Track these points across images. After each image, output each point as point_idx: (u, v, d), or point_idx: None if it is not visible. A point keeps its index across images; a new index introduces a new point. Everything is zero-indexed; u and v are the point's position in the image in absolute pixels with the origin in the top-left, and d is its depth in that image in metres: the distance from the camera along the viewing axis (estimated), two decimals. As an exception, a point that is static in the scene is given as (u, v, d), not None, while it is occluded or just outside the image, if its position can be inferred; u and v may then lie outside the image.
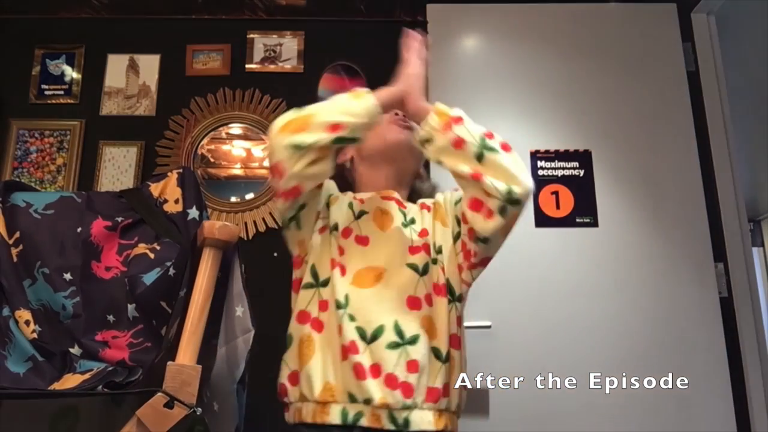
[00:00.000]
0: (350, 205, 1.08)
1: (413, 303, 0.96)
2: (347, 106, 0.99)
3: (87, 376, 1.05)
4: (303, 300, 1.02)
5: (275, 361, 1.07)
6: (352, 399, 0.90)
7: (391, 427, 0.89)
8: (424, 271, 1.00)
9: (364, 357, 0.91)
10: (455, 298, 1.01)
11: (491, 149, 0.93)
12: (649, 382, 1.81)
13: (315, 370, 0.93)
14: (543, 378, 1.80)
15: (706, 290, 1.88)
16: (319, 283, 1.01)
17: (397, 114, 1.13)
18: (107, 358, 1.09)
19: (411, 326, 0.94)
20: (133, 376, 1.03)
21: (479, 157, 0.93)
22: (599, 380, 1.82)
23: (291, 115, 0.99)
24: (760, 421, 1.80)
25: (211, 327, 1.01)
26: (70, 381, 1.06)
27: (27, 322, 1.11)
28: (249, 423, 1.14)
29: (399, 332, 0.93)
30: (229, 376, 1.09)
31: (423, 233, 1.05)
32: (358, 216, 1.06)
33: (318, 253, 1.04)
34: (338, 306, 0.96)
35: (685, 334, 1.85)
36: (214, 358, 1.08)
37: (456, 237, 1.04)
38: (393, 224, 1.04)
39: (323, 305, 0.99)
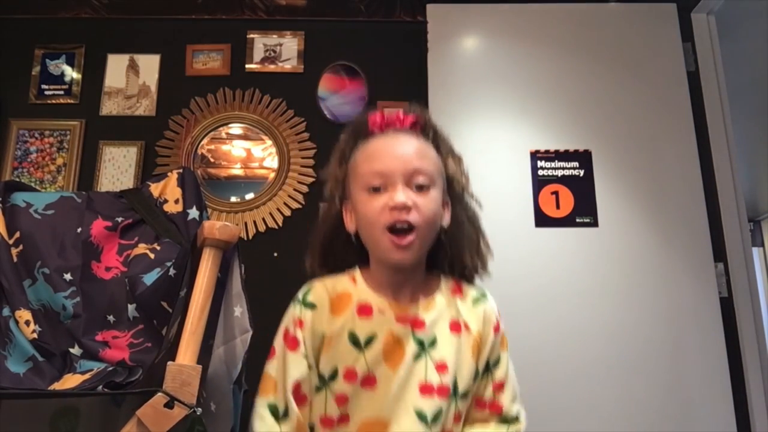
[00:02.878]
0: (352, 336, 0.89)
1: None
2: None
3: (87, 376, 1.05)
4: None
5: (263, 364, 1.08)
6: None
7: None
8: (434, 419, 0.87)
9: None
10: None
11: None
12: (649, 382, 1.82)
13: None
14: (542, 377, 1.81)
15: (706, 290, 1.88)
16: None
17: (394, 209, 0.86)
18: (107, 359, 1.09)
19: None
20: (134, 376, 1.03)
21: None
22: (599, 380, 1.82)
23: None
24: (760, 421, 1.80)
25: (208, 327, 1.01)
26: (70, 381, 1.06)
27: (27, 322, 1.11)
28: (245, 425, 1.14)
29: None
30: (226, 377, 1.09)
31: (441, 368, 0.88)
32: (366, 343, 0.88)
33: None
34: None
35: (685, 334, 1.85)
36: (209, 358, 1.08)
37: (480, 374, 0.93)
38: (404, 359, 0.88)
39: None
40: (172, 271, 1.09)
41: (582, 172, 2.00)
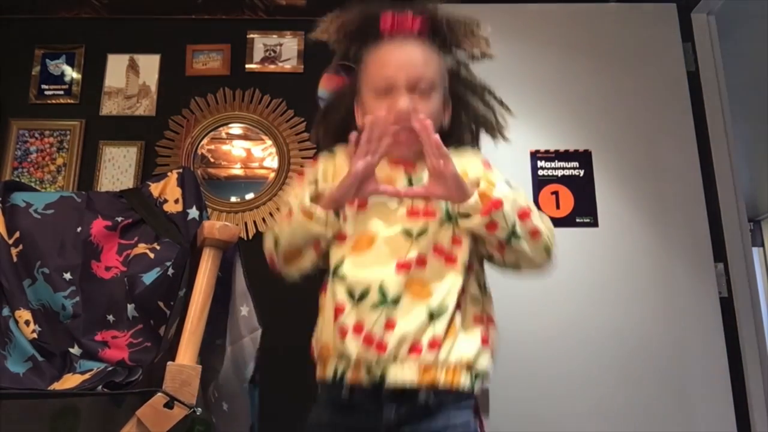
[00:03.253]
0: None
1: (402, 266, 0.94)
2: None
3: (87, 376, 1.06)
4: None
5: (279, 362, 1.08)
6: (340, 355, 0.94)
7: (367, 379, 0.91)
8: (419, 234, 0.97)
9: (349, 317, 0.93)
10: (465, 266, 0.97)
11: (518, 237, 0.95)
12: (649, 382, 1.82)
13: (319, 332, 1.00)
14: (543, 378, 1.81)
15: (706, 290, 1.88)
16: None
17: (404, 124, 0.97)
18: (107, 358, 1.10)
19: (395, 287, 0.93)
20: (133, 376, 1.03)
21: (507, 241, 0.95)
22: (598, 379, 1.82)
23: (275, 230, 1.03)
24: (760, 421, 1.80)
25: (216, 327, 1.01)
26: (70, 381, 1.06)
27: (27, 322, 1.11)
28: (264, 422, 1.14)
29: (383, 293, 0.93)
30: (237, 376, 1.09)
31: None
32: None
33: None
34: (334, 271, 0.98)
35: (685, 334, 1.85)
36: (221, 358, 1.09)
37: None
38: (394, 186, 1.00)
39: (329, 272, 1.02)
40: (171, 271, 1.09)
41: (582, 172, 2.00)
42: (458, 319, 0.94)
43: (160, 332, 1.08)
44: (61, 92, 2.26)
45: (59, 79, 2.27)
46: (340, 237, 0.99)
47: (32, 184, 2.11)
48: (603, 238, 1.93)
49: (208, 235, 1.00)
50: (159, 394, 0.86)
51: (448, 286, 0.95)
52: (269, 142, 2.21)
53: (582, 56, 2.08)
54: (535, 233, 0.96)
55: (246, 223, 2.12)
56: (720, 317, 1.86)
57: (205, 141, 2.22)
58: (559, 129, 2.04)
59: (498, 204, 0.92)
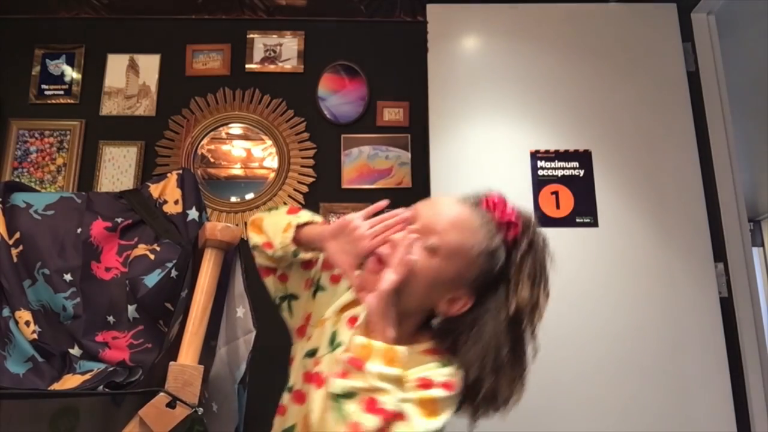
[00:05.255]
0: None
1: (298, 397, 0.95)
2: (277, 230, 1.01)
3: (87, 376, 1.06)
4: None
5: (274, 362, 1.08)
6: None
7: None
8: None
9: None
10: None
11: (336, 399, 0.76)
12: (649, 382, 1.82)
13: None
14: (541, 377, 1.81)
15: (706, 290, 1.88)
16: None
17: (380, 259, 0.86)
18: (107, 359, 1.09)
19: (294, 416, 0.94)
20: (134, 376, 1.03)
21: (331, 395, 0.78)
22: (599, 380, 1.82)
23: (260, 214, 1.10)
24: (760, 421, 1.80)
25: (210, 328, 1.01)
26: (70, 381, 1.06)
27: (27, 323, 1.10)
28: (248, 425, 1.14)
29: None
30: (229, 377, 1.09)
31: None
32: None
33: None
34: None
35: (685, 334, 1.85)
36: (212, 358, 1.09)
37: None
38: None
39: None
40: (174, 273, 1.09)
41: (582, 172, 2.00)
42: None
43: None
44: (61, 92, 2.26)
45: (59, 79, 2.27)
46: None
47: (32, 184, 2.11)
48: (603, 238, 1.93)
49: (209, 237, 1.00)
50: (162, 393, 0.87)
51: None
52: (269, 142, 2.21)
53: (582, 56, 2.08)
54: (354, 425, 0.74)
55: (246, 224, 2.12)
56: (720, 317, 1.86)
57: (205, 141, 2.22)
58: (559, 129, 2.04)
59: (360, 366, 0.76)
